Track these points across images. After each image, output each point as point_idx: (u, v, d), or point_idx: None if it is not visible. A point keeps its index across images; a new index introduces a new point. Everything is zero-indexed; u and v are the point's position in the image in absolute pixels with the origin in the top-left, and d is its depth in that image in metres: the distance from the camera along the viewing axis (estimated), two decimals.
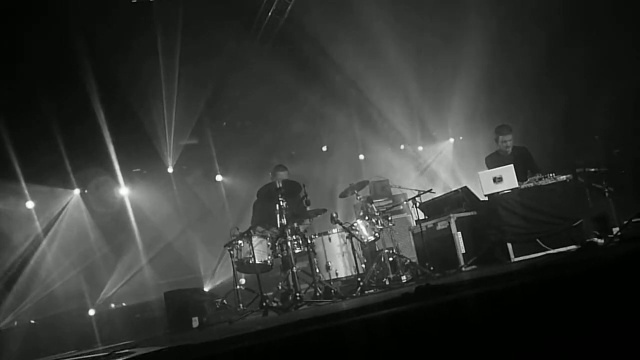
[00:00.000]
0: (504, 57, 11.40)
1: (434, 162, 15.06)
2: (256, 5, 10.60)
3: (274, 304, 7.28)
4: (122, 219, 11.83)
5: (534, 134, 10.72)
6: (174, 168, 12.48)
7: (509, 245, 7.22)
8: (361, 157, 14.60)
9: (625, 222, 7.04)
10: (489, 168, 7.99)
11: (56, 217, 11.43)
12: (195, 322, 7.71)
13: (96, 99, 10.37)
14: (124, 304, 11.24)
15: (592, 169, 8.76)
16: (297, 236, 7.66)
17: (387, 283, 7.82)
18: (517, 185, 7.36)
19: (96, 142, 10.85)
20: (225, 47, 10.97)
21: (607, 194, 8.65)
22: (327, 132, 13.99)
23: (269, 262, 7.63)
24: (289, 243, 7.41)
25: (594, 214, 7.93)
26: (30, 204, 11.18)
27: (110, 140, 10.95)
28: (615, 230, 7.23)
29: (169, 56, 10.60)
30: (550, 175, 7.43)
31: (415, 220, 8.74)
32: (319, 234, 8.12)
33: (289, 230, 7.49)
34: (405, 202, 10.04)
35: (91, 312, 10.85)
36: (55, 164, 10.75)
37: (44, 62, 9.50)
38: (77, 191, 11.71)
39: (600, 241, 6.61)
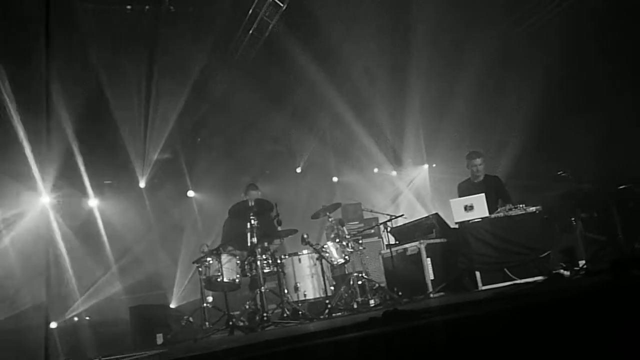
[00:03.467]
0: (479, 89, 11.57)
1: (407, 187, 15.13)
2: (236, 24, 10.62)
3: (241, 323, 7.21)
4: (90, 231, 11.64)
5: (506, 163, 10.88)
6: (146, 183, 12.36)
7: (477, 274, 7.27)
8: (335, 179, 14.63)
9: (591, 255, 7.17)
10: (461, 195, 8.06)
11: (17, 222, 11.17)
12: (159, 338, 7.60)
13: (66, 107, 10.23)
14: (87, 318, 11.02)
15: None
16: (267, 256, 7.63)
17: (355, 306, 7.81)
18: (487, 214, 7.44)
19: (67, 152, 10.69)
20: (203, 64, 10.96)
21: (574, 226, 8.78)
22: (302, 153, 14.02)
23: (237, 280, 7.59)
24: (258, 262, 7.38)
25: (561, 246, 8.02)
26: None
27: (81, 151, 10.80)
28: (582, 263, 7.33)
29: (144, 70, 10.55)
30: (521, 206, 7.52)
31: (386, 245, 8.76)
32: (289, 255, 8.10)
33: (259, 249, 7.46)
34: (376, 226, 10.08)
35: (53, 325, 10.62)
36: (23, 171, 10.55)
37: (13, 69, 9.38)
38: (44, 199, 11.47)
39: (567, 273, 6.67)
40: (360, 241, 8.65)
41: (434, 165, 15.18)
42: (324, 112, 12.83)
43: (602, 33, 9.70)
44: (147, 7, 9.69)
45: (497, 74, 11.30)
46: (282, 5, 9.89)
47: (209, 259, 7.58)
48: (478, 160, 8.38)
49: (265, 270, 7.53)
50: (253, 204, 7.59)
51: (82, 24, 9.30)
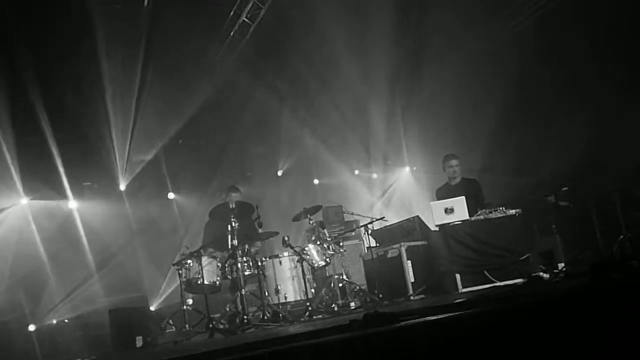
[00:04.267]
0: (462, 92, 11.62)
1: (388, 190, 15.15)
2: (218, 25, 10.58)
3: (221, 326, 7.18)
4: (69, 232, 11.50)
5: (488, 162, 10.92)
6: (126, 184, 12.24)
7: (458, 276, 7.31)
8: (316, 181, 14.62)
9: (570, 258, 7.23)
10: (439, 200, 8.09)
11: None
12: (139, 341, 7.54)
13: (45, 109, 10.11)
14: (66, 321, 10.90)
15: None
16: (248, 258, 7.61)
17: (336, 309, 7.82)
18: (467, 217, 7.47)
19: (46, 152, 10.57)
20: (185, 65, 10.91)
21: (554, 230, 8.85)
22: (284, 156, 14.00)
23: (217, 283, 7.56)
24: (239, 265, 7.35)
25: (541, 249, 8.09)
26: None
27: (60, 152, 10.68)
28: (561, 265, 7.39)
29: (127, 71, 10.46)
30: (500, 209, 7.56)
31: (367, 247, 8.78)
32: (270, 257, 8.11)
33: (240, 251, 7.43)
34: (357, 229, 10.08)
35: (31, 327, 10.49)
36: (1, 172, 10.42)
37: None
38: (24, 200, 11.34)
39: (546, 276, 6.73)
40: (341, 244, 8.65)
41: (414, 168, 15.22)
42: (307, 114, 12.82)
43: (590, 32, 9.73)
44: (117, 5, 9.59)
45: (482, 74, 11.33)
46: (262, 7, 9.88)
47: (189, 261, 7.55)
48: (454, 162, 8.43)
49: (246, 273, 7.52)
50: (234, 206, 7.57)
51: (62, 21, 9.22)
